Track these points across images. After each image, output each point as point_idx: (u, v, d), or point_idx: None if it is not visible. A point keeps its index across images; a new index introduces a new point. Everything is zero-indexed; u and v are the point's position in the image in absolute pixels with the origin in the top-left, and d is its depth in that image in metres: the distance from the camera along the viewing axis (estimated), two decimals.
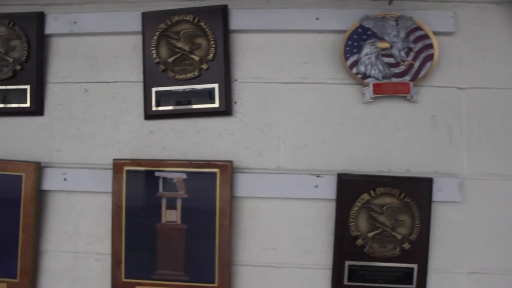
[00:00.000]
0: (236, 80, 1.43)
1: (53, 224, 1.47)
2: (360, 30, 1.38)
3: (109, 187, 1.43)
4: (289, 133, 1.40)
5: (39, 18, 1.51)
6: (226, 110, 1.40)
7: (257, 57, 1.44)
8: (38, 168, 1.43)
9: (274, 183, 1.38)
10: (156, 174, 1.36)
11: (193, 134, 1.43)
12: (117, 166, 1.37)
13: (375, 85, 1.36)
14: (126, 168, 1.37)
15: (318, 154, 1.39)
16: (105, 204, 1.44)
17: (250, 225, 1.40)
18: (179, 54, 1.41)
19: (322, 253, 1.37)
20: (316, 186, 1.36)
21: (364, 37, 1.38)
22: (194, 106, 1.41)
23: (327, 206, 1.38)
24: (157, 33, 1.42)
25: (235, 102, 1.42)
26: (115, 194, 1.37)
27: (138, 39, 1.48)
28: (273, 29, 1.44)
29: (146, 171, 1.37)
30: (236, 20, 1.44)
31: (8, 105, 1.51)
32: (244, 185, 1.38)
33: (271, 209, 1.39)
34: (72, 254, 1.45)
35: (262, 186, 1.38)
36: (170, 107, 1.42)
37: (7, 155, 1.50)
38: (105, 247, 1.43)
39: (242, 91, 1.43)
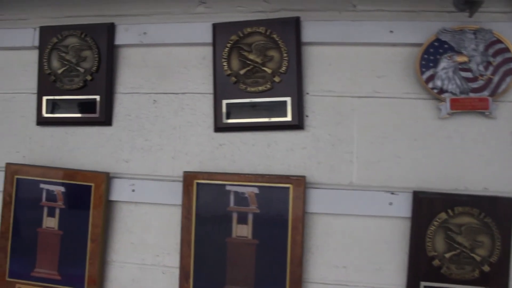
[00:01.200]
0: (307, 93, 1.41)
1: (121, 235, 1.46)
2: (436, 43, 1.35)
3: (177, 200, 1.42)
4: (362, 148, 1.37)
5: (110, 29, 1.51)
6: (298, 124, 1.37)
7: (329, 70, 1.42)
8: (107, 179, 1.43)
9: (347, 200, 1.35)
10: (228, 187, 1.35)
11: (264, 148, 1.41)
12: (188, 178, 1.36)
13: (452, 101, 1.33)
14: (196, 181, 1.36)
15: (392, 170, 1.35)
16: (173, 216, 1.43)
17: (320, 241, 1.37)
18: (251, 67, 1.40)
19: (395, 273, 1.33)
20: (391, 204, 1.33)
21: (441, 50, 1.34)
22: (266, 120, 1.39)
23: (400, 224, 1.34)
24: (228, 45, 1.41)
25: (307, 116, 1.40)
26: (185, 207, 1.36)
27: (208, 50, 1.48)
28: (345, 42, 1.42)
29: (217, 184, 1.35)
30: (308, 32, 1.42)
31: (78, 115, 1.50)
32: (316, 200, 1.36)
33: (343, 225, 1.36)
34: (138, 266, 1.45)
35: (334, 202, 1.36)
36: (241, 120, 1.40)
37: (75, 165, 1.50)
38: (172, 260, 1.42)
39: (313, 105, 1.41)
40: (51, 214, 1.46)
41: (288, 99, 1.38)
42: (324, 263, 1.36)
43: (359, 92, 1.40)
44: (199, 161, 1.44)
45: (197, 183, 1.35)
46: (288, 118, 1.38)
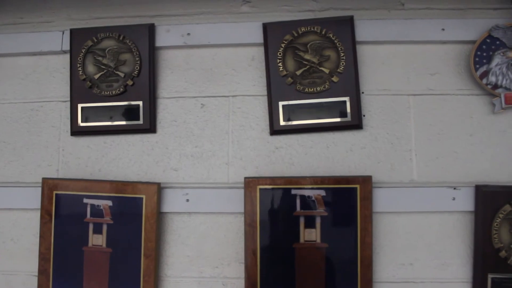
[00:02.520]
0: (363, 92, 1.39)
1: (174, 248, 1.38)
2: (488, 40, 1.38)
3: (234, 207, 1.36)
4: (421, 146, 1.38)
5: (151, 30, 1.42)
6: (357, 123, 1.35)
7: (382, 69, 1.41)
8: (159, 189, 1.34)
9: (409, 197, 1.35)
10: (293, 192, 1.31)
11: (323, 149, 1.38)
12: (250, 184, 1.31)
13: (507, 96, 1.35)
14: (259, 186, 1.30)
15: (451, 166, 1.37)
16: (231, 225, 1.37)
17: (385, 240, 1.36)
18: (308, 67, 1.37)
19: (461, 267, 1.34)
20: (454, 199, 1.34)
21: (493, 47, 1.37)
22: (324, 120, 1.36)
23: (463, 219, 1.35)
24: (283, 45, 1.38)
25: (364, 116, 1.38)
26: (248, 214, 1.31)
27: (256, 50, 1.44)
28: (397, 40, 1.41)
29: (281, 189, 1.30)
30: (361, 31, 1.41)
31: (119, 123, 1.41)
32: (378, 200, 1.34)
33: (406, 223, 1.36)
34: (196, 280, 1.37)
35: (397, 200, 1.35)
36: (298, 122, 1.37)
37: (117, 176, 1.41)
38: (233, 270, 1.36)
39: (370, 104, 1.40)
40: (97, 230, 1.35)
41: (346, 99, 1.35)
42: (390, 261, 1.35)
43: (414, 90, 1.40)
44: (255, 166, 1.38)
45: (260, 189, 1.30)
46: (348, 118, 1.35)
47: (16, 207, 1.46)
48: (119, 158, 1.43)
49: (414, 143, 1.37)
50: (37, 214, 1.44)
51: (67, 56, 1.49)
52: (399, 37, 1.41)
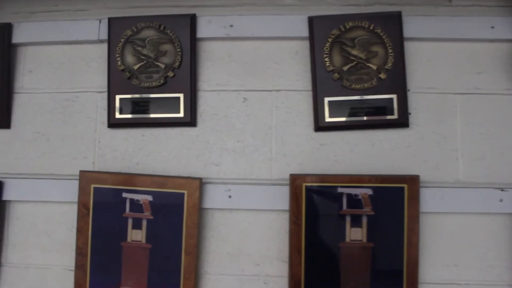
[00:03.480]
0: (409, 90, 1.36)
1: (215, 245, 1.35)
2: None
3: (277, 204, 1.34)
4: (466, 145, 1.35)
5: (192, 21, 1.38)
6: (404, 121, 1.32)
7: (429, 66, 1.39)
8: (201, 185, 1.31)
9: (454, 198, 1.33)
10: (340, 190, 1.28)
11: (368, 147, 1.35)
12: (296, 181, 1.28)
13: None
14: (305, 184, 1.27)
15: (498, 167, 1.35)
16: (273, 222, 1.35)
17: (430, 241, 1.34)
18: (355, 63, 1.34)
19: (507, 269, 1.33)
20: (501, 200, 1.32)
21: None
22: (370, 118, 1.33)
23: (509, 221, 1.33)
24: (329, 39, 1.34)
25: (409, 113, 1.35)
26: (293, 212, 1.28)
27: (301, 44, 1.41)
28: (444, 38, 1.39)
29: (328, 187, 1.27)
30: (407, 28, 1.37)
31: (159, 115, 1.37)
32: (423, 199, 1.32)
33: (452, 224, 1.34)
34: (237, 277, 1.34)
35: (442, 200, 1.33)
36: (344, 118, 1.33)
37: (155, 170, 1.38)
38: (275, 269, 1.34)
39: (415, 102, 1.37)
40: (137, 226, 1.32)
41: (394, 97, 1.32)
42: (434, 262, 1.33)
43: (461, 89, 1.37)
44: (298, 162, 1.35)
45: (306, 186, 1.27)
46: (395, 116, 1.32)
47: (50, 200, 1.42)
48: (157, 152, 1.39)
49: (460, 143, 1.35)
50: (72, 208, 1.40)
51: (104, 45, 1.45)
52: (446, 35, 1.38)
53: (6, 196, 1.43)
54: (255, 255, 1.34)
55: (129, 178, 1.32)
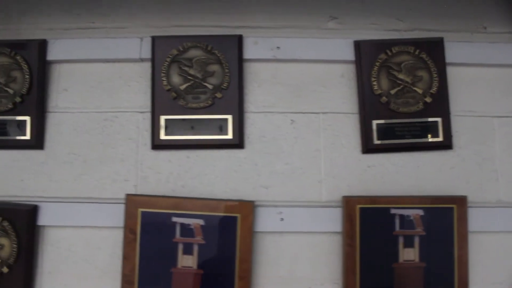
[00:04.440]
0: (449, 113, 1.41)
1: (266, 269, 1.34)
2: None
3: (328, 226, 1.35)
4: (505, 166, 1.41)
5: (239, 42, 1.38)
6: (448, 144, 1.37)
7: (468, 90, 1.44)
8: (253, 208, 1.30)
9: (496, 217, 1.38)
10: (392, 211, 1.30)
11: (413, 169, 1.39)
12: (350, 203, 1.29)
13: None
14: (359, 205, 1.29)
15: None
16: (324, 244, 1.35)
17: (477, 259, 1.37)
18: (401, 86, 1.37)
19: None
20: None
21: None
22: (415, 140, 1.36)
23: None
24: (377, 63, 1.37)
25: (451, 136, 1.40)
26: (348, 234, 1.29)
27: (345, 67, 1.43)
28: (481, 63, 1.45)
29: (381, 208, 1.29)
30: (449, 53, 1.42)
31: (205, 137, 1.35)
32: (469, 219, 1.36)
33: (496, 242, 1.38)
34: None
35: (485, 220, 1.37)
36: (391, 141, 1.36)
37: (202, 193, 1.37)
38: None
39: (457, 125, 1.42)
40: (187, 251, 1.29)
41: (439, 120, 1.37)
42: (481, 280, 1.36)
43: (498, 112, 1.43)
44: (347, 184, 1.36)
45: (360, 208, 1.28)
46: (440, 138, 1.36)
47: (88, 225, 1.36)
48: (204, 174, 1.36)
49: (498, 164, 1.40)
50: (113, 233, 1.35)
51: (145, 64, 1.42)
52: (483, 60, 1.44)
53: (40, 221, 1.35)
54: (307, 278, 1.34)
55: (179, 202, 1.29)
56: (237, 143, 1.35)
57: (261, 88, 1.40)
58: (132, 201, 1.28)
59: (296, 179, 1.36)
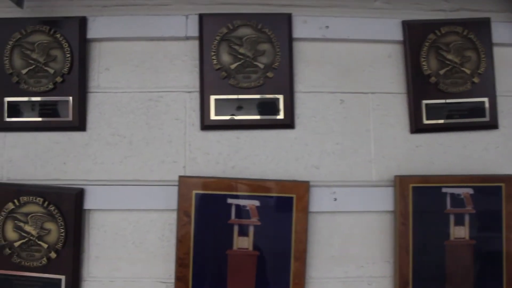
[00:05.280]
0: (495, 94, 1.43)
1: (319, 249, 1.34)
2: None
3: (379, 206, 1.36)
4: None
5: (288, 21, 1.36)
6: (495, 124, 1.39)
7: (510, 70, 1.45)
8: (308, 188, 1.29)
9: None
10: (443, 190, 1.32)
11: (460, 149, 1.41)
12: (402, 182, 1.30)
13: None
14: (412, 184, 1.30)
15: None
16: (375, 223, 1.37)
17: None
18: (450, 67, 1.38)
19: None
20: None
21: None
22: (463, 120, 1.38)
23: None
24: (426, 44, 1.37)
25: (497, 116, 1.42)
26: (401, 213, 1.30)
27: (392, 47, 1.43)
28: None
29: (433, 187, 1.31)
30: (495, 34, 1.43)
31: (257, 117, 1.33)
32: None
33: None
34: (341, 280, 1.35)
35: None
36: (440, 121, 1.38)
37: (252, 174, 1.37)
38: (379, 269, 1.36)
39: (502, 105, 1.44)
40: (243, 233, 1.28)
41: (485, 100, 1.39)
42: None
43: None
44: (397, 164, 1.37)
45: (413, 187, 1.29)
46: (486, 118, 1.38)
47: (136, 208, 1.33)
48: (254, 155, 1.35)
49: None
50: (162, 216, 1.33)
51: (191, 42, 1.38)
52: None
53: (86, 205, 1.31)
54: (359, 257, 1.34)
55: (234, 183, 1.27)
56: (289, 123, 1.33)
57: (310, 67, 1.39)
58: (185, 183, 1.26)
59: (347, 158, 1.36)
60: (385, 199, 1.34)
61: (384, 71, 1.40)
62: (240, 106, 1.33)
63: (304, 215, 1.27)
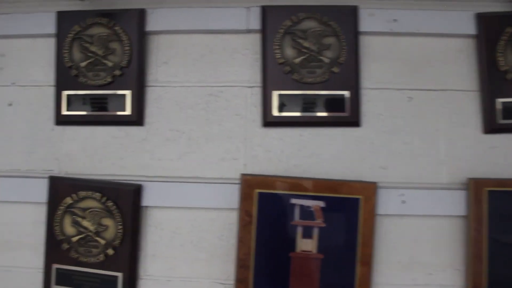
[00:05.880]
0: None
1: (385, 254, 1.27)
2: None
3: (449, 209, 1.28)
4: None
5: (354, 13, 1.29)
6: None
7: None
8: (376, 189, 1.22)
9: None
10: None
11: None
12: (477, 186, 1.22)
13: None
14: (487, 188, 1.21)
15: None
16: (445, 228, 1.29)
17: None
18: None
19: None
20: None
21: None
22: None
23: None
24: (504, 38, 1.28)
25: None
26: (475, 218, 1.22)
27: (463, 42, 1.34)
28: None
29: (510, 192, 1.22)
30: None
31: (321, 114, 1.27)
32: None
33: None
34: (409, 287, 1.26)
35: None
36: None
37: (317, 173, 1.30)
38: (448, 277, 1.28)
39: None
40: (307, 234, 1.21)
41: None
42: None
43: None
44: (469, 166, 1.29)
45: (489, 191, 1.21)
46: None
47: (194, 206, 1.29)
48: (318, 153, 1.29)
49: None
50: (221, 214, 1.28)
51: (251, 36, 1.34)
52: None
53: (143, 202, 1.27)
54: (427, 263, 1.27)
55: (298, 182, 1.21)
56: (355, 120, 1.27)
57: (376, 63, 1.32)
58: (247, 182, 1.20)
59: (415, 159, 1.29)
60: (456, 203, 1.26)
61: (454, 67, 1.32)
62: (304, 102, 1.26)
63: (371, 218, 1.20)
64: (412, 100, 1.31)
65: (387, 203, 1.25)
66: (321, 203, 1.21)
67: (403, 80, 1.31)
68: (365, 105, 1.30)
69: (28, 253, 1.34)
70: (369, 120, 1.30)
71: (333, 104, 1.27)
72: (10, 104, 1.37)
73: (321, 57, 1.27)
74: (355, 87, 1.28)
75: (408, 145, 1.29)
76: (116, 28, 1.31)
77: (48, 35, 1.37)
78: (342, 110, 1.27)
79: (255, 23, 1.31)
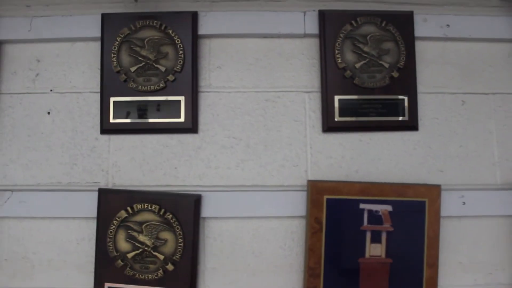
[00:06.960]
0: None
1: (447, 255, 1.28)
2: None
3: (505, 210, 1.31)
4: None
5: (410, 19, 1.31)
6: None
7: None
8: (440, 192, 1.24)
9: None
10: None
11: None
12: None
13: None
14: None
15: None
16: (503, 228, 1.31)
17: None
18: None
19: None
20: None
21: None
22: None
23: None
24: None
25: None
26: None
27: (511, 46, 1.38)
28: None
29: None
30: None
31: (379, 118, 1.27)
32: None
33: None
34: None
35: None
36: None
37: (377, 178, 1.30)
38: (508, 276, 1.31)
39: None
40: (376, 239, 1.20)
41: None
42: None
43: None
44: None
45: None
46: None
47: (255, 216, 1.26)
48: (378, 158, 1.29)
49: None
50: (283, 223, 1.27)
51: (308, 40, 1.33)
52: None
53: (202, 213, 1.22)
54: (487, 263, 1.29)
55: (366, 187, 1.20)
56: (413, 125, 1.27)
57: (429, 67, 1.33)
58: (316, 188, 1.18)
59: (471, 161, 1.31)
60: (510, 203, 1.28)
61: (504, 71, 1.36)
62: (364, 107, 1.25)
63: (436, 220, 1.21)
64: (465, 104, 1.33)
65: (448, 205, 1.27)
66: (389, 207, 1.20)
67: (456, 84, 1.33)
68: (421, 109, 1.31)
69: (73, 272, 1.25)
70: (425, 124, 1.31)
71: (392, 108, 1.27)
72: (48, 112, 1.27)
73: (381, 62, 1.27)
74: (413, 91, 1.28)
75: (463, 148, 1.31)
76: (169, 31, 1.25)
77: (89, 39, 1.29)
78: (402, 115, 1.27)
79: (312, 27, 1.30)
